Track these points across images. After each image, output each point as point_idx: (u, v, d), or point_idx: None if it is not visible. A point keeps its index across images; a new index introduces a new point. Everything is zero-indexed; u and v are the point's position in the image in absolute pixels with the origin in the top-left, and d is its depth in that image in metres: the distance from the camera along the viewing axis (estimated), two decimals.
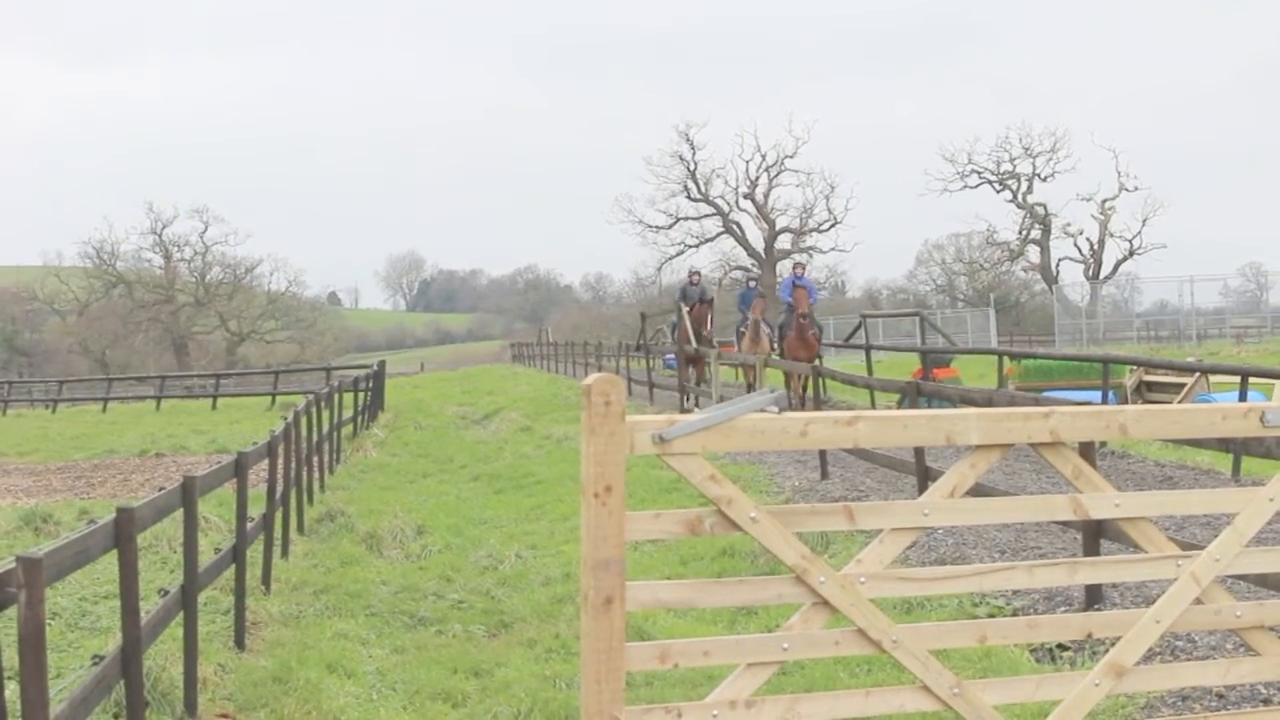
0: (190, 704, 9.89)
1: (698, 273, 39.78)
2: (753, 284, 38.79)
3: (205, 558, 11.71)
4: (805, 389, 28.52)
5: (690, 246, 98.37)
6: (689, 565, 14.94)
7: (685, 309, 35.37)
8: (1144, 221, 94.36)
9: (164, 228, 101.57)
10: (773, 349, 32.46)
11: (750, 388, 30.74)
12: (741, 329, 34.69)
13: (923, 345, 39.72)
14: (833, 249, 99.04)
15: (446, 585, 15.11)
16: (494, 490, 23.68)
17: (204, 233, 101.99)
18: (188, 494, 10.25)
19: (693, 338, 34.52)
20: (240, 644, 12.12)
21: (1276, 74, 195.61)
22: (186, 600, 10.17)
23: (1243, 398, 19.58)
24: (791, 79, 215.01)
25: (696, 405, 32.40)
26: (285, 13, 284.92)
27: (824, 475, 20.55)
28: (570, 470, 22.50)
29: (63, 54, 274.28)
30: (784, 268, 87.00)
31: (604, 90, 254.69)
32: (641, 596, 5.90)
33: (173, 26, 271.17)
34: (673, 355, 41.87)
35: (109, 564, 11.19)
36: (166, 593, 9.99)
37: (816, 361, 30.25)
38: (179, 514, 10.46)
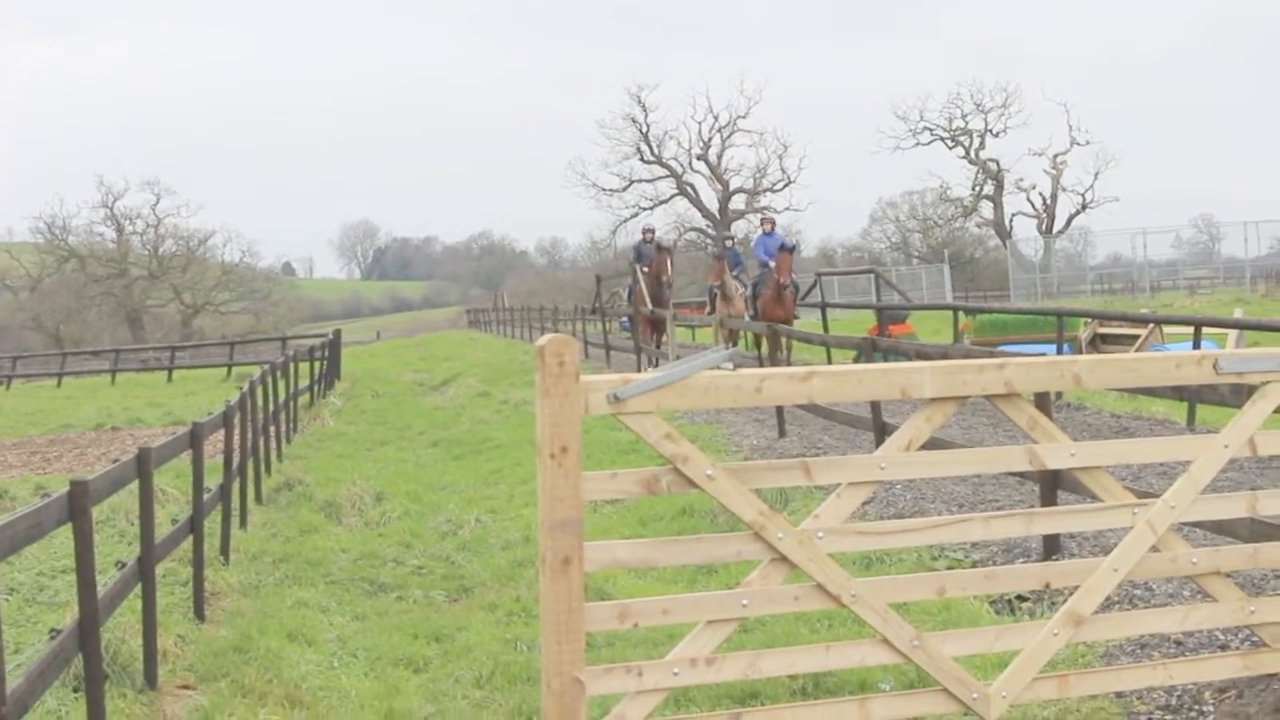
0: (150, 676, 9.84)
1: (651, 230, 38.93)
2: (729, 243, 37.42)
3: (163, 529, 11.63)
4: (781, 349, 28.32)
5: (644, 209, 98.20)
6: (648, 526, 14.94)
7: (641, 268, 35.04)
8: (1096, 175, 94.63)
9: (115, 200, 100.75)
10: (747, 310, 31.79)
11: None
12: (715, 289, 33.66)
13: (878, 302, 39.82)
14: (787, 208, 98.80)
15: (406, 551, 15.08)
16: (452, 456, 23.64)
17: (156, 205, 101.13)
18: (143, 465, 10.18)
19: (648, 299, 34.14)
20: (200, 615, 12.05)
21: (1226, 27, 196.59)
22: (144, 572, 10.10)
23: (1196, 348, 19.66)
24: (743, 39, 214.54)
25: (654, 367, 32.13)
26: None
27: (781, 433, 20.56)
28: (528, 434, 22.42)
29: (11, 25, 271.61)
30: (738, 228, 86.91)
31: (557, 54, 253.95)
32: (600, 557, 5.89)
33: None
34: (628, 318, 41.43)
35: (66, 538, 11.13)
36: (124, 565, 9.92)
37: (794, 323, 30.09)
38: (135, 486, 10.39)
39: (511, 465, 20.93)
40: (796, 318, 32.16)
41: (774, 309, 30.37)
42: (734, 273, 33.33)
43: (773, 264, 30.98)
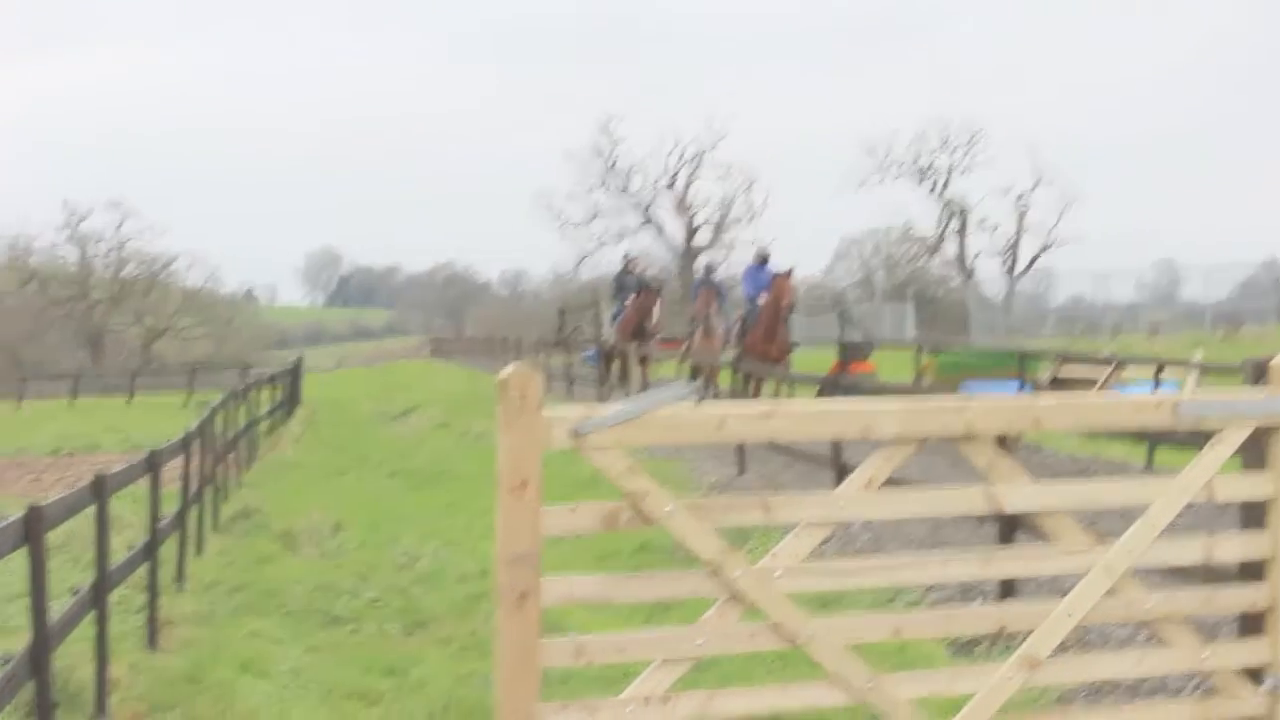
0: (101, 704, 9.77)
1: (634, 259, 37.21)
2: (711, 273, 34.94)
3: (118, 556, 11.57)
4: (765, 389, 27.01)
5: (610, 241, 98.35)
6: (606, 561, 14.91)
7: (624, 301, 33.40)
8: (1060, 215, 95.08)
9: (80, 221, 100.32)
10: (734, 347, 29.80)
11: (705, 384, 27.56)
12: (694, 325, 31.78)
13: (841, 339, 39.89)
14: (752, 243, 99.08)
15: (362, 583, 15.00)
16: (411, 487, 23.57)
17: (120, 226, 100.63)
18: (99, 491, 10.12)
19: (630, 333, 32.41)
20: (153, 643, 11.99)
21: (1191, 72, 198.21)
22: (98, 599, 10.04)
23: (1156, 390, 19.75)
24: (712, 73, 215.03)
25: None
26: (202, 6, 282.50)
27: (742, 470, 20.56)
28: (489, 466, 22.20)
29: None
30: (700, 263, 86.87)
31: (525, 84, 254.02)
32: (557, 591, 5.87)
33: (84, 19, 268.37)
34: (593, 351, 41.04)
35: (21, 563, 11.04)
36: (78, 591, 9.87)
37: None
38: (91, 512, 10.34)
39: (471, 497, 20.85)
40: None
41: (765, 347, 28.24)
42: (716, 305, 31.51)
43: (761, 301, 28.69)
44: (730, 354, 29.94)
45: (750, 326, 28.94)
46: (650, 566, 13.69)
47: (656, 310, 32.49)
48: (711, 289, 32.06)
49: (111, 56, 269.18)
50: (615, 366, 34.01)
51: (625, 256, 38.01)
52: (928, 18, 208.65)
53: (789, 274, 28.94)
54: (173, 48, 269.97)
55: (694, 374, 29.97)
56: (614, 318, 34.69)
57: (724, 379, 29.98)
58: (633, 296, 33.18)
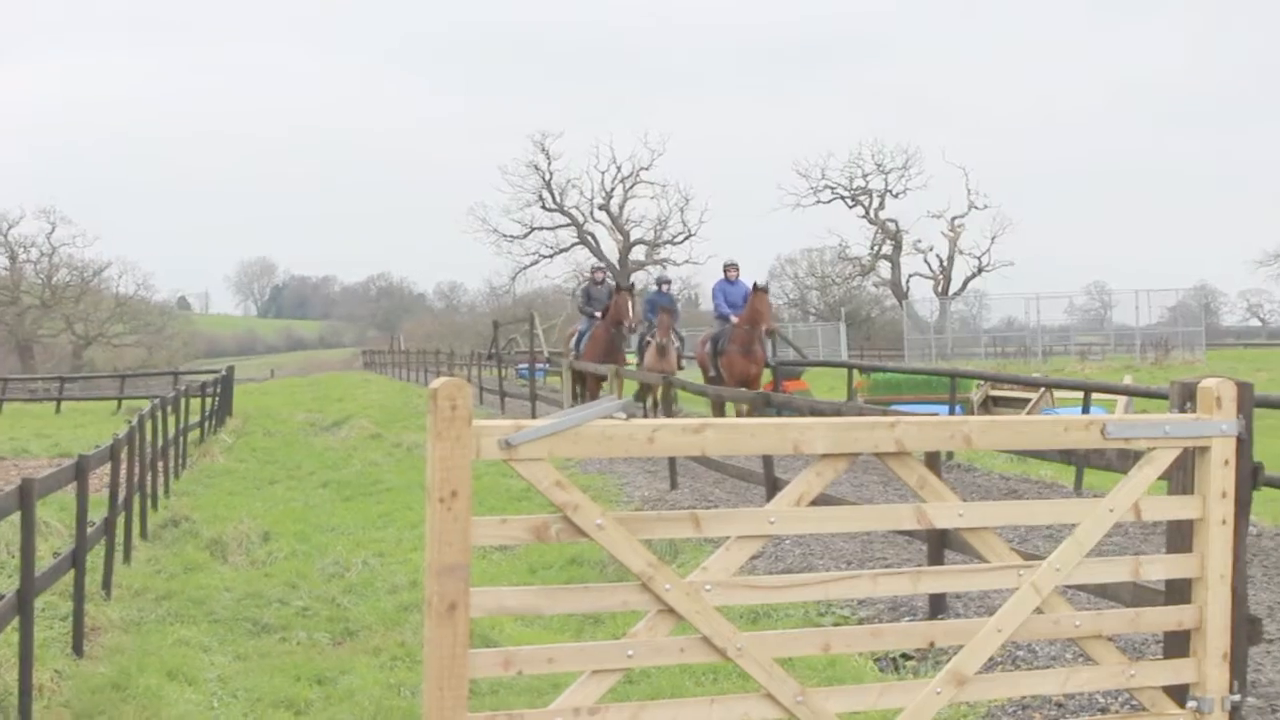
0: (25, 711, 9.68)
1: (602, 269, 35.38)
2: (665, 286, 33.51)
3: (44, 563, 11.48)
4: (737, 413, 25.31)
5: (545, 256, 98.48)
6: (537, 574, 14.92)
7: (595, 312, 31.43)
8: (993, 239, 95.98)
9: (10, 228, 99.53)
10: (712, 371, 28.14)
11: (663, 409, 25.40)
12: (648, 340, 30.29)
13: (774, 358, 39.96)
14: (687, 261, 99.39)
15: (291, 592, 14.93)
16: (342, 498, 23.47)
17: (51, 234, 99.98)
18: (25, 497, 10.04)
19: (602, 349, 30.31)
20: (79, 650, 11.89)
21: (1123, 105, 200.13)
22: (23, 605, 9.95)
23: (1086, 412, 19.89)
24: (648, 92, 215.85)
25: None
26: (135, 11, 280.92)
27: (673, 485, 20.59)
28: (420, 478, 22.32)
29: None
30: (637, 279, 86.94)
31: (462, 98, 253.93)
32: (486, 603, 5.85)
33: (14, 28, 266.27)
34: (525, 365, 40.76)
35: None
36: (2, 598, 9.78)
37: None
38: (16, 517, 10.25)
39: (402, 508, 20.81)
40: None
41: (745, 365, 27.32)
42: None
43: (734, 318, 27.82)
44: (699, 374, 28.91)
45: (725, 346, 27.81)
46: (581, 580, 13.72)
47: (630, 309, 30.47)
48: (670, 310, 30.36)
49: (43, 64, 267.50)
50: (575, 386, 31.96)
51: (593, 268, 37.02)
52: (863, 46, 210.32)
53: (766, 290, 28.20)
54: (106, 56, 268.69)
55: (641, 394, 29.42)
56: (580, 337, 32.27)
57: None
58: (603, 309, 31.15)
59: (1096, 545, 6.63)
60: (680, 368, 30.02)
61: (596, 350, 30.80)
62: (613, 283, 34.08)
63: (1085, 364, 61.10)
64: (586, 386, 31.35)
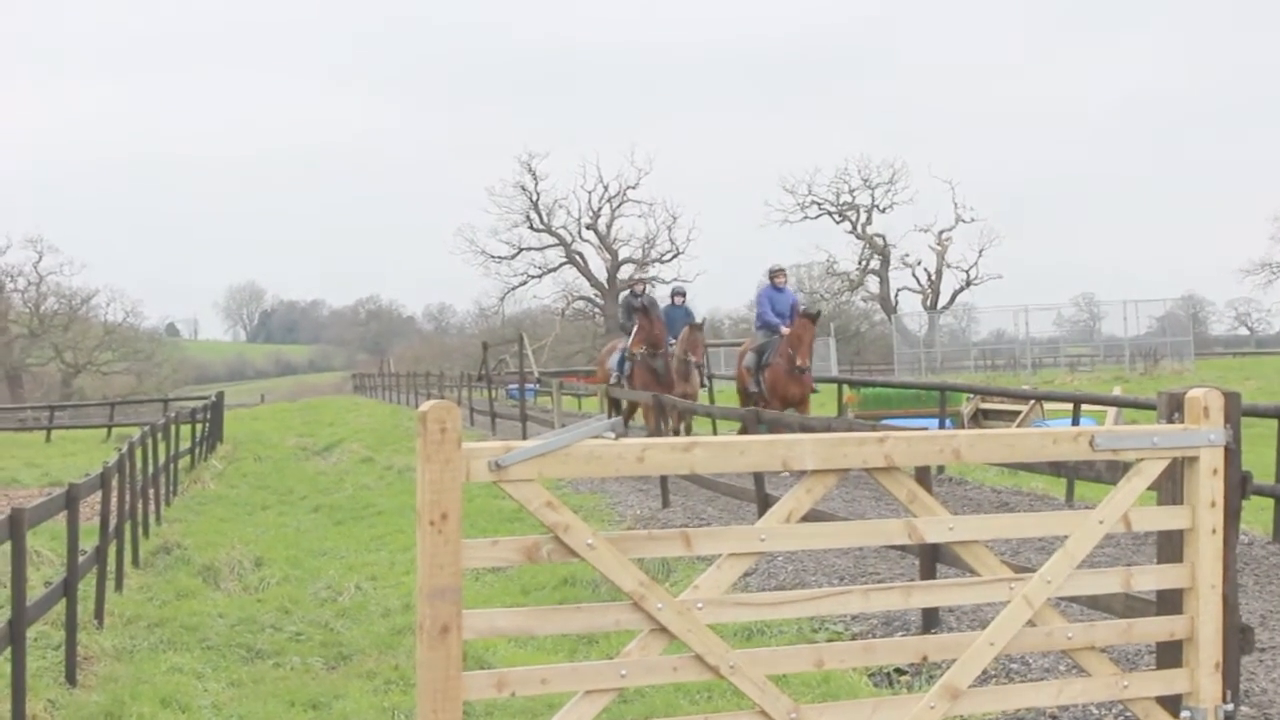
0: None
1: (640, 281, 31.43)
2: (680, 299, 30.44)
3: (35, 592, 11.46)
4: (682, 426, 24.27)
5: (533, 277, 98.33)
6: (530, 595, 14.90)
7: (638, 325, 27.54)
8: (980, 252, 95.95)
9: None
10: (753, 388, 25.80)
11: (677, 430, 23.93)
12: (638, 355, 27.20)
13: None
14: (675, 279, 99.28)
15: (285, 617, 14.91)
16: (334, 522, 23.45)
17: (38, 263, 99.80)
18: (16, 527, 10.03)
19: (665, 377, 26.65)
20: (71, 679, 11.85)
21: (1110, 119, 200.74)
22: (15, 635, 9.93)
23: (1075, 424, 19.90)
24: (635, 110, 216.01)
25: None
26: (121, 40, 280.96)
27: (665, 504, 20.56)
28: (411, 500, 22.10)
29: None
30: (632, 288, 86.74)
31: (448, 120, 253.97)
32: (479, 625, 5.85)
33: (3, 54, 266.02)
34: (515, 385, 40.51)
35: None
36: None
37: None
38: (7, 547, 10.24)
39: (394, 532, 20.79)
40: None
41: (789, 387, 25.13)
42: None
43: (785, 329, 25.48)
44: (735, 394, 26.99)
45: (771, 359, 25.49)
46: (574, 600, 13.70)
47: (702, 349, 27.68)
48: (697, 327, 27.78)
49: (27, 92, 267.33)
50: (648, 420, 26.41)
51: (631, 279, 35.96)
52: (852, 61, 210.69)
53: (817, 317, 26.03)
54: (90, 83, 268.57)
55: (629, 412, 28.06)
56: (622, 359, 28.53)
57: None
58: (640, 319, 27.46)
59: (1087, 557, 6.64)
60: (703, 385, 28.34)
61: (646, 377, 27.00)
62: (653, 294, 31.27)
63: (1075, 375, 61.14)
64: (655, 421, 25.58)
